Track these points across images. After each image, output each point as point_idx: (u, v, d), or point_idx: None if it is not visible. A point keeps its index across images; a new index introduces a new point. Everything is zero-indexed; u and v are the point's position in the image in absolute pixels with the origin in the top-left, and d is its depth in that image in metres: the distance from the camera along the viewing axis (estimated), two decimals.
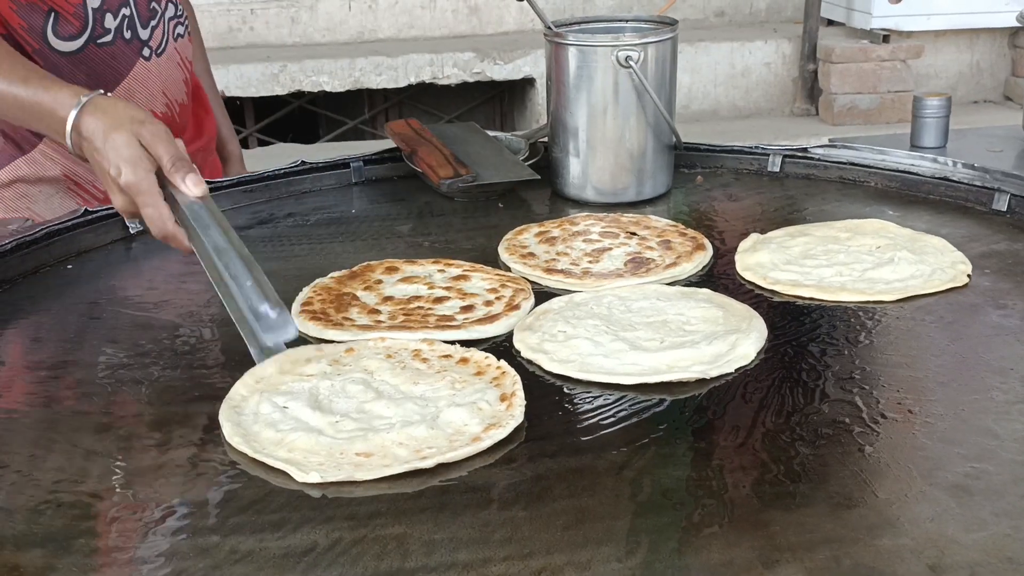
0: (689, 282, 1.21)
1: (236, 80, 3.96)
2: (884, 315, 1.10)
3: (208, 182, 1.46)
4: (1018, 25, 2.10)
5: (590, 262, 1.26)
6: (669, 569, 0.71)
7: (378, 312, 1.13)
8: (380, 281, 1.21)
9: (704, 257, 1.26)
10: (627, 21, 1.57)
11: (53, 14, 1.39)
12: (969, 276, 1.17)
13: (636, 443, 0.87)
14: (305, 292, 1.18)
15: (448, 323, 1.09)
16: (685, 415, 0.92)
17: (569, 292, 1.18)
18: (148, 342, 1.09)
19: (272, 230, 1.43)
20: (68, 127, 1.19)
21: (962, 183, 1.44)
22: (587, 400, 0.94)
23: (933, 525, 0.74)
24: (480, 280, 1.21)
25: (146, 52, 1.51)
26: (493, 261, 1.27)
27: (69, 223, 1.32)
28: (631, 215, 1.41)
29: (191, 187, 1.12)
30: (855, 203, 1.47)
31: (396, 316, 1.12)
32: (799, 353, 1.02)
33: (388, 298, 1.17)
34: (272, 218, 1.47)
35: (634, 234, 1.34)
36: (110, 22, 1.44)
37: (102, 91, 1.23)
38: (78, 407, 0.96)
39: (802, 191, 1.54)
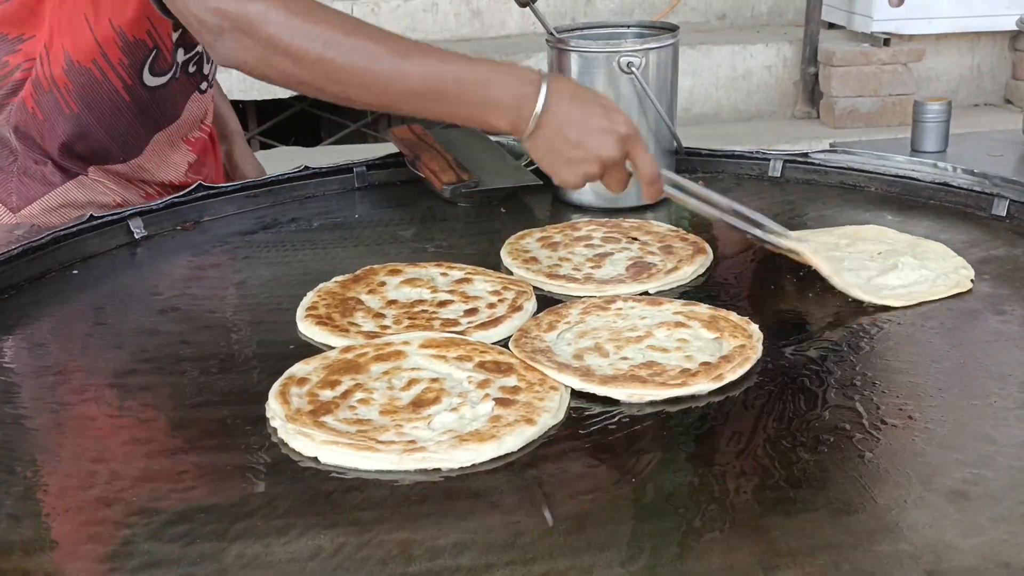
0: (691, 287, 1.22)
1: (238, 83, 3.96)
2: (886, 321, 1.10)
3: (212, 187, 1.49)
4: (1019, 29, 2.10)
5: (592, 267, 1.26)
6: (671, 574, 0.72)
7: (383, 316, 1.14)
8: (383, 283, 1.22)
9: (705, 261, 1.27)
10: (628, 27, 1.58)
11: (155, 52, 1.38)
12: (973, 281, 1.18)
13: (639, 448, 0.87)
14: (310, 296, 1.19)
15: (452, 327, 1.10)
16: (688, 421, 0.92)
17: (571, 297, 1.18)
18: (153, 348, 1.09)
19: (275, 235, 1.44)
20: (543, 90, 1.15)
21: (962, 188, 1.44)
22: (590, 405, 0.95)
23: (931, 531, 0.75)
24: (483, 283, 1.21)
25: (203, 85, 1.52)
26: (495, 265, 1.28)
27: (75, 228, 1.33)
28: (633, 220, 1.42)
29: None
30: (855, 208, 1.48)
31: (400, 320, 1.13)
32: (800, 359, 1.03)
33: (392, 302, 1.18)
34: (276, 223, 1.48)
35: (636, 239, 1.34)
36: (181, 56, 1.44)
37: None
38: (84, 412, 0.97)
39: (803, 196, 1.54)
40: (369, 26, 1.20)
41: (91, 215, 1.36)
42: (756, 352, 1.02)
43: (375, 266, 1.26)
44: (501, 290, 1.19)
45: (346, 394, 0.96)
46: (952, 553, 0.72)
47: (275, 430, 0.91)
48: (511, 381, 0.97)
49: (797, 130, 4.21)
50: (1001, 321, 1.09)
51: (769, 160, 1.62)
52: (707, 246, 1.31)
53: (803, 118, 4.36)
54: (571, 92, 1.18)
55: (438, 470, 0.85)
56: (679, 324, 1.08)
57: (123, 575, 0.73)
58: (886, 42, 4.20)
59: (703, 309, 1.11)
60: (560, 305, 1.15)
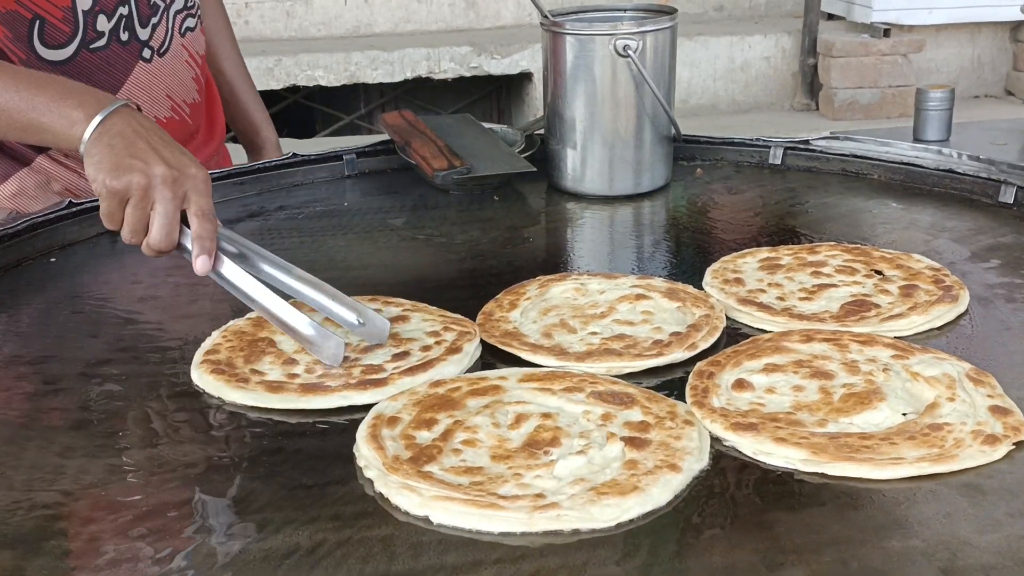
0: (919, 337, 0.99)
1: None
2: None
3: None
4: (1021, 18, 2.06)
5: (802, 298, 1.08)
6: (668, 573, 0.68)
7: (295, 362, 0.96)
8: None
9: (945, 312, 1.03)
10: (625, 10, 1.54)
11: (38, 21, 1.29)
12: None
13: None
14: (214, 337, 1.02)
15: (375, 373, 0.94)
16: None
17: (757, 330, 1.03)
18: (130, 338, 1.05)
19: (262, 223, 1.40)
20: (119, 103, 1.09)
21: (967, 175, 1.40)
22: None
23: (945, 526, 0.71)
24: (421, 321, 1.05)
25: (146, 53, 1.42)
26: (487, 255, 1.24)
27: (53, 215, 1.29)
28: (888, 251, 1.18)
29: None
30: (858, 196, 1.44)
31: (312, 369, 0.95)
32: None
33: None
34: (263, 211, 1.44)
35: (879, 272, 1.13)
36: (103, 24, 1.35)
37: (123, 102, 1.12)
38: (55, 403, 0.93)
39: (804, 184, 1.50)
40: None
41: (70, 201, 1.32)
42: (722, 320, 1.02)
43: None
44: (440, 331, 1.02)
45: (446, 435, 0.83)
46: (967, 550, 0.68)
47: (370, 482, 0.78)
48: (636, 415, 0.85)
49: (796, 122, 4.18)
50: (1011, 309, 1.05)
51: (770, 147, 1.58)
52: (963, 292, 1.07)
53: (802, 110, 4.33)
54: (150, 123, 1.09)
55: None
56: (640, 296, 1.08)
57: (88, 574, 0.69)
58: (886, 33, 4.17)
59: (659, 281, 1.11)
60: (517, 284, 1.13)
